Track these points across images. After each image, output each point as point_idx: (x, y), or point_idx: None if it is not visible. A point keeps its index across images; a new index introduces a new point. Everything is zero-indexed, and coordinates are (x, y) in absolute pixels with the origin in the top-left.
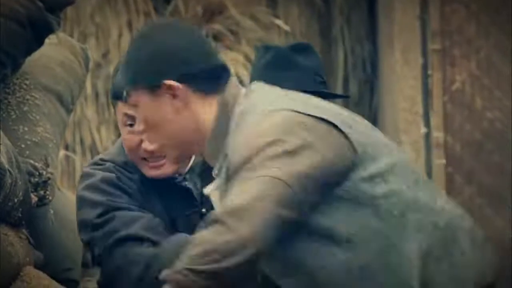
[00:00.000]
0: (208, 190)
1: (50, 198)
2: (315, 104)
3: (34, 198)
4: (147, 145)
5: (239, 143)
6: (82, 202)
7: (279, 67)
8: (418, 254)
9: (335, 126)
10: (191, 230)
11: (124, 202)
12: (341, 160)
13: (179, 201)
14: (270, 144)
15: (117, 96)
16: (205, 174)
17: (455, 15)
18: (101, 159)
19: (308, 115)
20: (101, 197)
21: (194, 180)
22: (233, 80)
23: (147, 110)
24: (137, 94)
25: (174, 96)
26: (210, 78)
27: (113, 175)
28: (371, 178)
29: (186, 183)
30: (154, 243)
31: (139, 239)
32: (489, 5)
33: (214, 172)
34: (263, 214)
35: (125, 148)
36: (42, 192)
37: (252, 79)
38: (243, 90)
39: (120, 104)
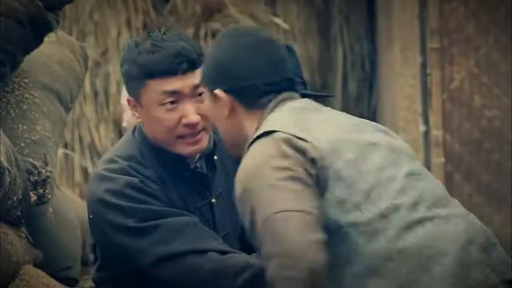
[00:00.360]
0: None
1: (49, 196)
2: (304, 124)
3: (33, 197)
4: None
5: (238, 174)
6: (107, 207)
7: None
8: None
9: (311, 144)
10: (203, 220)
11: (155, 205)
12: (312, 177)
13: (193, 190)
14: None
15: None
16: (208, 160)
17: (454, 14)
18: (116, 155)
19: (291, 135)
20: (130, 203)
21: (203, 168)
22: (286, 95)
23: (209, 105)
24: (204, 89)
25: (223, 104)
26: (257, 94)
27: (136, 179)
28: (340, 204)
29: (199, 170)
30: (219, 252)
31: (200, 252)
32: (488, 4)
33: None
34: (301, 245)
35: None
36: (41, 191)
37: None
38: (278, 107)
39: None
